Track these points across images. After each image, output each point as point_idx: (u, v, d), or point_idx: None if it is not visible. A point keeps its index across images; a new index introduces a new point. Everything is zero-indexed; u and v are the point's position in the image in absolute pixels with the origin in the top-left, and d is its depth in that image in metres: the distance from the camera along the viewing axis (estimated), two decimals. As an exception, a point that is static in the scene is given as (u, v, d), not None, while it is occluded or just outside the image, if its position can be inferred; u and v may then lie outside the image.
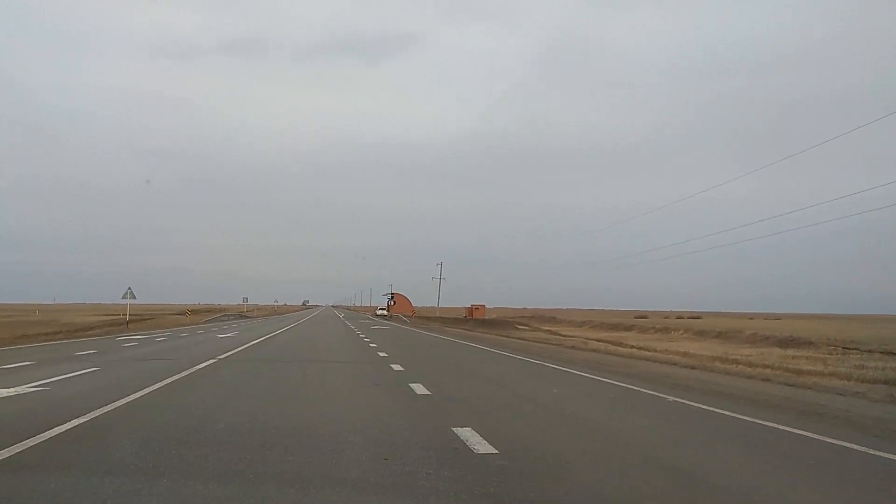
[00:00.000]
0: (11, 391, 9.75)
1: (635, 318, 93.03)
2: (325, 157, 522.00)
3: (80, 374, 12.72)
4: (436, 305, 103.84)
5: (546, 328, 57.88)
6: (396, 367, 14.64)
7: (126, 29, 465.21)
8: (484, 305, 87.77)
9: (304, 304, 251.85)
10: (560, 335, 39.82)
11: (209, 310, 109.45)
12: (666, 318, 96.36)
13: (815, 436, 7.06)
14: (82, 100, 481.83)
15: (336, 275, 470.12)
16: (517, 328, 54.76)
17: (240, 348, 21.19)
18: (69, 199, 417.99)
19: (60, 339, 27.76)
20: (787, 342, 33.48)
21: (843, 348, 27.96)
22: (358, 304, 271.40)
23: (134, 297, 59.83)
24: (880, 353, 24.21)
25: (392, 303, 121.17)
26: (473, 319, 69.89)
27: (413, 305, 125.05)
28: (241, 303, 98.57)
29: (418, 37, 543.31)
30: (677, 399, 10.08)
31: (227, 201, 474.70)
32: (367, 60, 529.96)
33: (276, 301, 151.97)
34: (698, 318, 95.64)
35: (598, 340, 32.20)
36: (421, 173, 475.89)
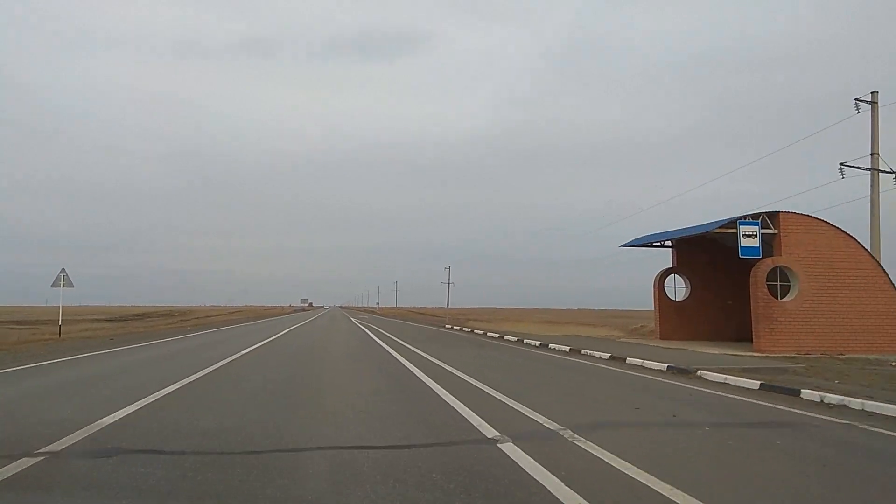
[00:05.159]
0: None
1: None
2: (330, 156, 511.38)
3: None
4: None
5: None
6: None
7: (122, 29, 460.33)
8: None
9: (308, 305, 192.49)
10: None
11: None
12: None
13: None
14: (88, 99, 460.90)
15: (344, 274, 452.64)
16: None
17: None
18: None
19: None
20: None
21: None
22: (363, 304, 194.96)
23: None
24: None
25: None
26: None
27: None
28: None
29: (428, 37, 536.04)
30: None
31: (227, 201, 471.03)
32: (378, 60, 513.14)
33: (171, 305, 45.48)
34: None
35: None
36: (426, 172, 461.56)
